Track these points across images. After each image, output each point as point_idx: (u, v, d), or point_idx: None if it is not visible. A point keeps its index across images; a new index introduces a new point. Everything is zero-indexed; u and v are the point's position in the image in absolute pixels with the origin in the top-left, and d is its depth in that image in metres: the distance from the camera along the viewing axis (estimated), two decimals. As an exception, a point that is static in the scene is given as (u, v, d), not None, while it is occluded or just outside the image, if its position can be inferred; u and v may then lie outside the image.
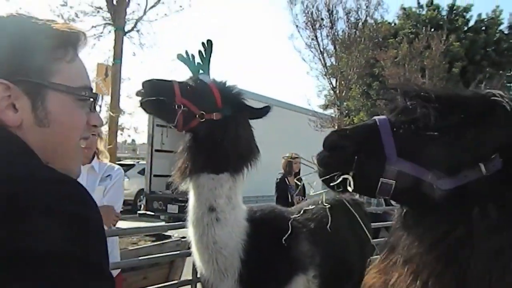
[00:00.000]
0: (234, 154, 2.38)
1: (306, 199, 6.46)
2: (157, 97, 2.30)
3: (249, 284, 2.45)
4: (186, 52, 2.56)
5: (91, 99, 1.01)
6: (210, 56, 2.55)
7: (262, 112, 2.56)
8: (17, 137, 0.86)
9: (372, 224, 4.90)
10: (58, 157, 0.93)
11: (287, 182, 6.71)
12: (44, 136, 0.90)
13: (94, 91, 1.07)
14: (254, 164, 2.52)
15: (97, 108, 1.08)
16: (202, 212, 2.37)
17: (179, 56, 2.58)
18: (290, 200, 6.38)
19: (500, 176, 1.22)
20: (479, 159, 1.22)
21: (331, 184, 1.39)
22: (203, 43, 2.57)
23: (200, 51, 2.57)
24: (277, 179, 6.82)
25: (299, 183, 6.88)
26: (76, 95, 0.95)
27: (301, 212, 2.87)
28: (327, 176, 1.39)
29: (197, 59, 2.57)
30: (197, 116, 2.32)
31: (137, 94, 2.37)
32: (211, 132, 2.36)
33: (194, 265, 2.79)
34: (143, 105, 2.37)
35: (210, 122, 2.34)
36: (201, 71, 2.52)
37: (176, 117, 2.31)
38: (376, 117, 1.37)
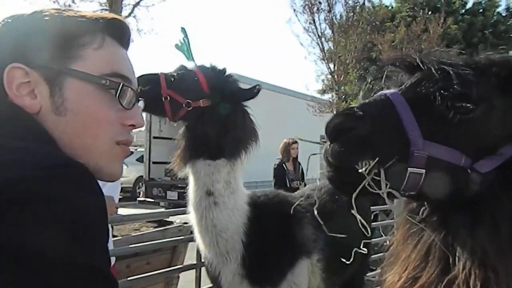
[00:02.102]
0: (228, 139, 2.37)
1: (304, 184, 6.51)
2: (144, 94, 2.26)
3: (253, 268, 2.49)
4: (183, 38, 2.54)
5: (123, 90, 0.90)
6: (189, 43, 2.52)
7: (252, 92, 2.50)
8: (35, 122, 0.83)
9: (371, 207, 4.95)
10: (79, 151, 0.86)
11: (285, 168, 6.71)
12: (60, 125, 0.85)
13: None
14: (253, 147, 2.51)
15: (136, 105, 0.96)
16: (200, 196, 2.40)
17: (176, 45, 2.58)
18: (288, 186, 6.38)
19: None
20: None
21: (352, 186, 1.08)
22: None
23: (179, 41, 2.55)
24: (274, 164, 6.81)
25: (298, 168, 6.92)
26: (96, 83, 0.88)
27: (305, 197, 2.90)
28: (344, 175, 1.10)
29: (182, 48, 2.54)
30: (184, 105, 2.33)
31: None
32: (201, 119, 2.35)
33: (198, 250, 2.82)
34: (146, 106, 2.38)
35: (198, 110, 2.34)
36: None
37: (165, 109, 2.34)
38: (385, 91, 1.12)
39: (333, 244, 2.82)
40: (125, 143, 0.94)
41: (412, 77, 1.13)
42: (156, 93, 2.33)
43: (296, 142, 6.79)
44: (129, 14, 9.26)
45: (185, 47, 2.51)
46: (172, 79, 2.37)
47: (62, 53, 0.87)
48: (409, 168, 1.02)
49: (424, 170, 1.02)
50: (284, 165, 6.73)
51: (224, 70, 2.51)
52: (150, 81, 2.35)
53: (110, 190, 2.89)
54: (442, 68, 1.06)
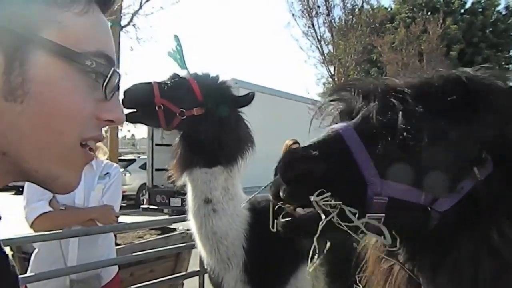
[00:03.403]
0: (223, 146, 2.36)
1: None
2: (138, 104, 2.35)
3: (255, 273, 2.48)
4: (176, 46, 2.53)
5: (107, 76, 0.68)
6: (182, 51, 2.52)
7: (246, 99, 2.49)
8: None
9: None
10: (30, 152, 0.64)
11: None
12: (8, 116, 0.62)
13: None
14: (249, 153, 2.50)
15: (116, 95, 0.74)
16: (198, 205, 2.40)
17: (169, 53, 2.58)
18: None
19: (495, 178, 0.98)
20: (471, 163, 0.97)
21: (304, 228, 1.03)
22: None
23: (172, 48, 2.55)
24: (266, 166, 6.73)
25: None
26: (77, 63, 0.64)
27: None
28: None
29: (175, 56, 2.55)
30: (177, 114, 2.32)
31: (122, 103, 2.41)
32: (195, 128, 2.34)
33: (200, 257, 2.82)
34: (128, 119, 2.41)
35: (192, 118, 2.33)
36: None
37: (159, 119, 2.34)
38: (336, 126, 1.02)
39: (335, 247, 2.81)
40: (95, 139, 0.72)
41: (366, 106, 1.04)
42: (150, 102, 2.32)
43: (297, 142, 6.76)
44: (128, 23, 9.32)
45: (178, 55, 2.51)
46: (165, 88, 2.36)
47: (31, 12, 0.63)
48: (367, 215, 0.93)
49: (383, 215, 0.93)
50: None
51: (217, 77, 2.50)
52: (144, 91, 2.35)
53: (111, 199, 2.87)
54: (388, 102, 0.99)
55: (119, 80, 0.73)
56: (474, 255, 0.95)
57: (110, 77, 0.68)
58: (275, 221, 1.13)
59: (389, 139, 0.95)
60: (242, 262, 2.45)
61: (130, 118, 2.43)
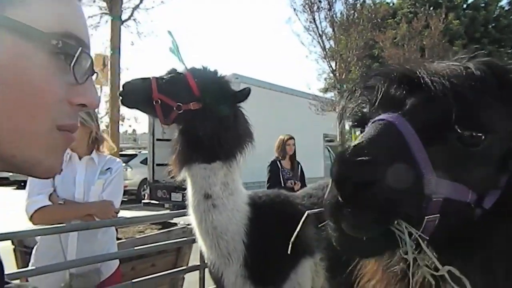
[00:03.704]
0: (222, 141, 2.36)
1: (300, 184, 6.15)
2: (137, 98, 2.41)
3: (255, 268, 2.49)
4: (172, 41, 2.54)
5: (80, 58, 0.66)
6: (177, 46, 2.53)
7: (243, 94, 2.50)
8: None
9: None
10: (6, 137, 0.62)
11: (280, 165, 6.28)
12: None
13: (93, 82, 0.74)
14: (249, 148, 2.51)
15: (90, 80, 0.71)
16: (198, 200, 2.40)
17: (170, 49, 2.58)
18: (283, 185, 5.93)
19: None
20: (507, 157, 0.92)
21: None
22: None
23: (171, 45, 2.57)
24: (269, 162, 6.40)
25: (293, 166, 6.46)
26: (44, 43, 0.62)
27: (307, 196, 2.91)
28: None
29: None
30: (174, 108, 2.34)
31: (120, 94, 2.46)
32: (192, 122, 2.36)
33: (201, 251, 2.83)
34: (123, 102, 2.48)
35: (188, 113, 2.35)
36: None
37: (156, 113, 2.38)
38: (385, 116, 0.91)
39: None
40: (69, 129, 0.70)
41: (412, 97, 0.93)
42: (148, 97, 2.36)
43: (292, 138, 6.41)
44: (129, 17, 9.28)
45: (174, 50, 2.51)
46: (163, 83, 2.39)
47: None
48: (426, 217, 0.84)
49: (438, 215, 0.86)
50: (279, 162, 6.30)
51: (215, 72, 2.51)
52: (142, 85, 2.39)
53: (111, 194, 2.85)
54: (455, 91, 0.88)
55: (92, 64, 0.71)
56: (507, 250, 0.91)
57: (77, 57, 0.65)
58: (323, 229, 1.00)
59: (444, 131, 0.88)
60: (242, 257, 2.46)
61: (125, 102, 2.48)
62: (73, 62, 0.65)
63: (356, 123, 1.12)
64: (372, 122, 0.93)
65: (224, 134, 2.36)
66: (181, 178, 2.50)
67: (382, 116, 0.92)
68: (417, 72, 0.94)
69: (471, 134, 0.88)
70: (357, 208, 0.82)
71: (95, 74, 0.74)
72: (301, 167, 6.58)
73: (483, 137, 0.88)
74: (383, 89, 0.98)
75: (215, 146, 2.34)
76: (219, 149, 2.36)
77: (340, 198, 0.83)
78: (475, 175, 0.90)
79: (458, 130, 0.88)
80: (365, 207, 0.82)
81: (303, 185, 6.08)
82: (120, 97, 2.48)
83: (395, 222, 0.83)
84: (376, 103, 0.99)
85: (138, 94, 2.39)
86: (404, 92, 0.95)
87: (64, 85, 0.66)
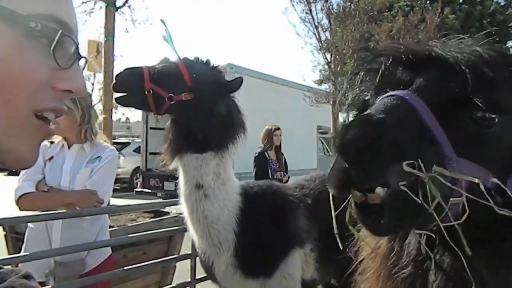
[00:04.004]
0: (214, 132, 2.37)
1: (288, 175, 6.17)
2: (129, 88, 2.39)
3: (245, 258, 2.52)
4: (166, 31, 2.51)
5: (61, 41, 0.63)
6: (170, 35, 2.50)
7: (235, 84, 2.50)
8: None
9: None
10: None
11: (267, 157, 6.13)
12: None
13: (85, 68, 0.72)
14: (241, 138, 2.51)
15: (76, 65, 0.69)
16: (189, 190, 2.42)
17: (164, 37, 2.55)
18: (270, 176, 5.83)
19: None
20: None
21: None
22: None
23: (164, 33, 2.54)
24: (255, 153, 6.26)
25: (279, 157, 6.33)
26: (21, 25, 0.59)
27: (299, 187, 2.94)
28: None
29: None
30: (166, 99, 2.33)
31: (113, 87, 2.44)
32: (184, 113, 2.36)
33: (193, 240, 2.85)
34: (117, 101, 2.48)
35: (180, 103, 2.34)
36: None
37: (148, 103, 2.37)
38: (396, 92, 0.86)
39: (326, 233, 2.85)
40: (52, 110, 0.67)
41: (420, 76, 0.87)
42: (140, 86, 2.34)
43: (279, 128, 6.25)
44: (124, 4, 9.19)
45: (168, 39, 2.48)
46: (155, 73, 2.37)
47: None
48: (450, 199, 0.78)
49: (461, 199, 0.79)
50: (266, 153, 6.15)
51: (207, 62, 2.50)
52: (134, 75, 2.37)
53: (95, 183, 2.77)
54: (471, 65, 0.83)
55: (77, 48, 0.67)
56: None
57: (57, 41, 0.62)
58: (348, 214, 0.91)
59: (457, 110, 0.82)
60: (233, 246, 2.49)
61: (121, 101, 2.45)
62: (53, 46, 0.62)
63: (358, 112, 1.02)
64: (380, 99, 0.85)
65: (216, 124, 2.37)
66: (173, 167, 2.50)
67: (392, 92, 0.85)
68: (428, 48, 0.90)
69: (484, 115, 0.82)
70: (364, 161, 0.75)
71: (82, 60, 0.70)
72: (285, 158, 6.46)
73: (496, 119, 0.83)
74: (388, 69, 0.91)
75: (207, 136, 2.35)
76: (211, 139, 2.36)
77: (347, 164, 0.76)
78: (493, 157, 0.84)
79: (473, 109, 0.82)
80: (371, 157, 0.75)
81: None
82: (114, 91, 2.46)
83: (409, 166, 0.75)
84: (381, 85, 0.92)
85: (129, 84, 2.37)
86: (412, 72, 0.89)
87: (47, 70, 0.63)
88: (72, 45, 0.66)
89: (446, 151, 0.79)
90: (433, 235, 0.86)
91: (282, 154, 6.41)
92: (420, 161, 0.73)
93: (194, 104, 2.35)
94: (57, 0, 0.66)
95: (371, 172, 0.75)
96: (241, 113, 2.58)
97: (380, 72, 0.94)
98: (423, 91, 0.84)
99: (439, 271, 0.88)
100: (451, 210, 0.78)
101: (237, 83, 2.49)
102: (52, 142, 2.92)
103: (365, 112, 0.82)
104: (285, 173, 6.14)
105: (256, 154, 6.20)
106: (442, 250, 0.89)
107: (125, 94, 2.42)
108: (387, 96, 0.85)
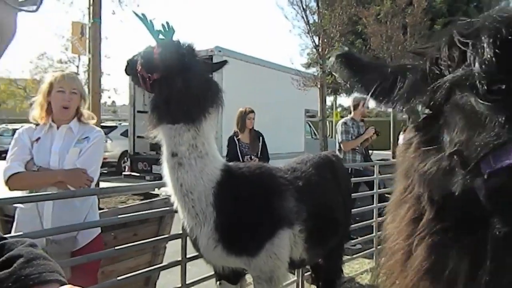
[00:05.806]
0: (180, 105, 2.58)
1: (259, 159, 5.73)
2: (132, 72, 2.80)
3: (226, 233, 2.63)
4: (144, 16, 2.76)
5: None
6: (152, 23, 2.74)
7: (209, 64, 2.95)
8: None
9: (353, 179, 5.10)
10: None
11: (236, 141, 5.90)
12: None
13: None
14: (214, 112, 2.71)
15: None
16: (166, 158, 2.65)
17: (140, 19, 2.79)
18: (241, 160, 5.57)
19: None
20: None
21: None
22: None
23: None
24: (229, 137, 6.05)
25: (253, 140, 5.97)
26: None
27: (291, 170, 3.06)
28: None
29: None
30: (147, 79, 2.67)
31: (125, 71, 2.87)
32: (158, 90, 2.67)
33: (183, 223, 2.91)
34: (133, 81, 2.91)
35: (154, 82, 2.66)
36: (161, 36, 2.74)
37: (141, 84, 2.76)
38: None
39: (316, 215, 2.94)
40: None
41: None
42: (135, 71, 2.73)
43: (253, 111, 5.99)
44: (110, -15, 9.03)
45: (149, 26, 2.75)
46: (142, 55, 2.73)
47: None
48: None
49: None
50: (236, 138, 5.93)
51: (178, 43, 2.72)
52: (133, 62, 2.76)
53: (85, 162, 2.85)
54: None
55: None
56: None
57: None
58: None
59: None
60: (212, 220, 2.62)
61: (134, 82, 2.93)
62: None
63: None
64: None
65: (183, 98, 2.58)
66: (156, 138, 2.69)
67: None
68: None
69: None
70: None
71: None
72: (263, 139, 6.11)
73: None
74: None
75: (176, 109, 2.58)
76: (179, 111, 2.58)
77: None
78: None
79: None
80: None
81: (266, 158, 5.83)
82: (126, 73, 2.89)
83: None
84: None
85: (132, 68, 2.77)
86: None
87: None
88: None
89: None
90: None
91: (261, 137, 6.11)
92: None
93: (163, 81, 2.62)
94: None
95: None
96: (216, 90, 2.76)
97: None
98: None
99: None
100: None
101: (210, 63, 2.80)
102: (37, 125, 2.93)
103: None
104: (255, 157, 5.81)
105: (229, 138, 6.02)
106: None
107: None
108: None
